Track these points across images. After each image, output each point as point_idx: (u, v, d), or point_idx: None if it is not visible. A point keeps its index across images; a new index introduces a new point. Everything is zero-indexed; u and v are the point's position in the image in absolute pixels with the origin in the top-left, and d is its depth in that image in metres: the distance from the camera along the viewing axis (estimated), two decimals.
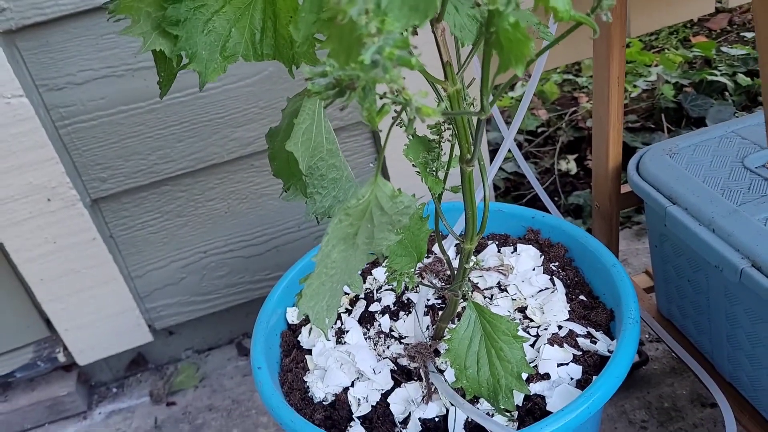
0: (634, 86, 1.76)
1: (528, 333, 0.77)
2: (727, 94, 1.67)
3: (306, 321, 0.86)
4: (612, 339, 0.77)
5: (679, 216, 0.80)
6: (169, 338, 1.34)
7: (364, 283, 0.90)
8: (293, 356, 0.82)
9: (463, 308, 0.67)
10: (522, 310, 0.80)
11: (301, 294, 0.51)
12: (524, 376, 0.70)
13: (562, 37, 0.47)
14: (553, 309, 0.79)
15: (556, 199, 1.56)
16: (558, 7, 0.40)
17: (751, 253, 0.71)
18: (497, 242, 0.92)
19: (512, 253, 0.89)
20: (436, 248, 0.91)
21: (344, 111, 1.16)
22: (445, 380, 0.71)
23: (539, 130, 1.76)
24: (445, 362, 0.65)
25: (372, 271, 0.91)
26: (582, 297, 0.83)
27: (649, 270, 1.07)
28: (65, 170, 1.08)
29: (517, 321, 0.79)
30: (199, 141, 1.14)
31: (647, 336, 1.20)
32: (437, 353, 0.75)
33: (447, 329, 0.75)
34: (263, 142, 1.15)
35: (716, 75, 1.69)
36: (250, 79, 1.11)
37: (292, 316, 0.87)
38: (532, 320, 0.79)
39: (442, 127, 0.67)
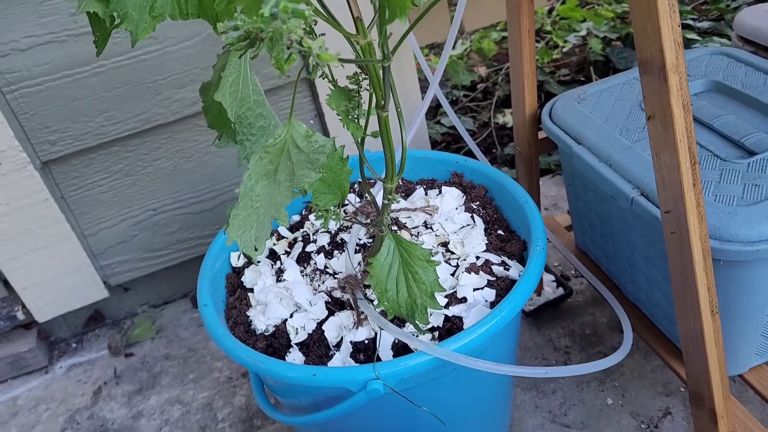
0: (565, 41, 1.85)
1: (449, 264, 0.86)
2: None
3: (249, 263, 0.93)
4: (524, 266, 0.85)
5: (582, 155, 0.89)
6: (125, 294, 1.40)
7: (302, 228, 0.97)
8: (237, 295, 0.89)
9: None
10: (445, 244, 0.89)
11: (228, 223, 0.58)
12: (442, 300, 0.78)
13: None
14: (472, 242, 0.87)
15: (493, 150, 1.64)
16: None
17: (640, 183, 0.80)
18: (425, 186, 1.00)
19: (437, 195, 0.97)
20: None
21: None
22: (373, 307, 0.79)
23: (478, 85, 1.84)
24: (371, 288, 0.73)
25: (309, 217, 0.98)
26: (500, 231, 0.92)
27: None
28: (14, 134, 1.12)
29: (440, 253, 0.87)
30: (143, 102, 1.18)
31: (573, 273, 1.31)
32: (367, 286, 0.83)
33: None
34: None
35: None
36: (189, 41, 1.16)
37: (236, 260, 0.94)
38: (453, 253, 0.87)
39: (360, 78, 0.74)
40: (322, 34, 0.56)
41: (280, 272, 0.89)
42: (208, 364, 1.27)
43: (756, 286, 0.75)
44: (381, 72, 0.67)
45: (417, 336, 0.77)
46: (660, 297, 0.87)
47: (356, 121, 0.76)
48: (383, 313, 0.76)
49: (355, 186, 1.02)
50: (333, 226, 0.95)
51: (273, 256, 0.93)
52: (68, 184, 1.23)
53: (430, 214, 0.94)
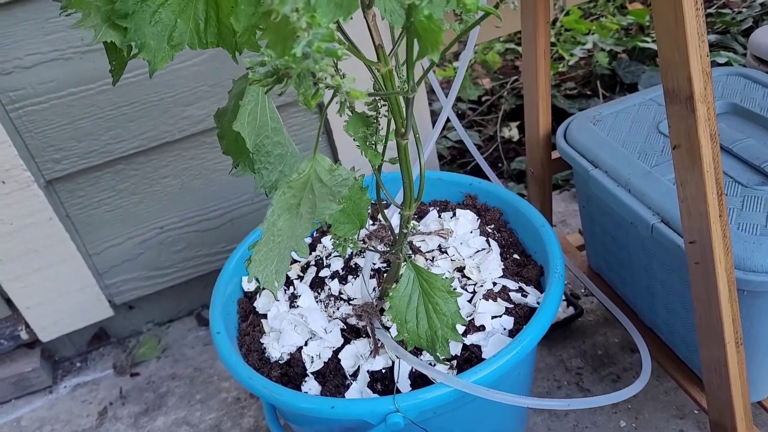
0: (572, 54, 1.84)
1: (466, 290, 0.84)
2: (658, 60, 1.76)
3: (262, 290, 0.91)
4: (541, 292, 0.84)
5: (600, 178, 0.88)
6: (130, 312, 1.38)
7: (314, 251, 0.95)
8: (250, 321, 0.87)
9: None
10: (461, 269, 0.87)
11: (250, 259, 0.57)
12: (460, 328, 0.77)
13: (474, 25, 0.53)
14: (489, 267, 0.86)
15: (499, 165, 1.63)
16: (466, 1, 0.46)
17: (660, 209, 0.79)
18: (438, 208, 0.99)
19: (451, 217, 0.95)
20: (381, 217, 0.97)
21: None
22: (390, 335, 0.77)
23: (483, 98, 1.83)
24: (390, 319, 0.72)
25: (321, 240, 0.96)
26: (516, 256, 0.90)
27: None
28: (18, 153, 1.11)
29: (455, 279, 0.86)
30: (150, 120, 1.17)
31: (583, 291, 1.29)
32: (383, 312, 0.82)
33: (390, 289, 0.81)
34: (213, 120, 1.19)
35: (648, 42, 1.77)
36: (197, 59, 1.14)
37: (248, 284, 0.93)
38: (469, 278, 0.86)
39: (378, 104, 0.72)
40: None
41: (293, 297, 0.88)
42: (215, 385, 1.25)
43: None
44: (403, 101, 0.66)
45: (434, 365, 0.76)
46: (679, 324, 0.86)
47: (374, 147, 0.75)
48: (401, 343, 0.75)
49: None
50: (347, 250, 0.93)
51: (286, 280, 0.92)
52: (73, 203, 1.21)
53: (445, 238, 0.92)
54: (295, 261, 0.95)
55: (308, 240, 0.99)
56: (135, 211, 1.25)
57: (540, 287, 0.86)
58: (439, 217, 0.97)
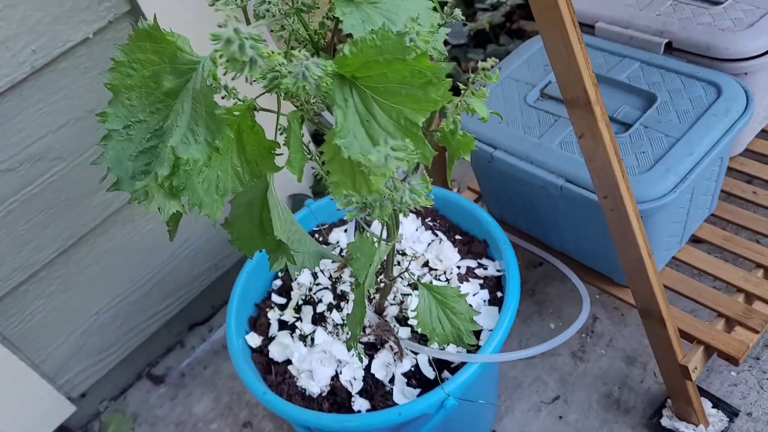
0: None
1: (439, 280, 1.03)
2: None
3: (268, 340, 1.03)
4: (492, 260, 1.06)
5: (504, 158, 1.09)
6: (83, 400, 1.40)
7: (291, 291, 1.08)
8: (275, 371, 0.99)
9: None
10: (425, 264, 1.06)
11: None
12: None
13: None
14: (447, 255, 1.05)
15: None
16: (483, 114, 0.63)
17: (562, 173, 1.03)
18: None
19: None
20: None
21: None
22: (409, 338, 0.95)
23: None
24: (419, 330, 0.89)
25: (294, 283, 1.09)
26: (458, 236, 1.11)
27: (471, 186, 1.37)
28: None
29: (426, 273, 1.04)
30: (64, 220, 1.18)
31: None
32: (401, 321, 0.98)
33: (410, 310, 0.97)
34: (122, 199, 1.23)
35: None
36: (92, 150, 1.16)
37: (252, 341, 1.04)
38: (436, 269, 1.05)
39: None
40: None
41: (303, 338, 1.01)
42: (203, 429, 1.34)
43: (661, 225, 1.02)
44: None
45: (444, 350, 0.95)
46: (586, 243, 1.13)
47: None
48: (421, 342, 0.93)
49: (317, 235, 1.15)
50: (325, 279, 1.07)
51: (285, 325, 1.04)
52: (7, 324, 1.20)
53: (399, 242, 1.10)
54: (284, 306, 1.07)
55: (278, 282, 1.11)
56: (68, 308, 1.26)
57: (489, 256, 1.07)
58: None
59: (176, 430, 1.36)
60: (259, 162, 0.72)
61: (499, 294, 1.01)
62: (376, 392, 0.94)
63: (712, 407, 1.14)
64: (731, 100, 1.03)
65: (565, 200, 1.06)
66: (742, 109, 1.03)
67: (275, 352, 1.01)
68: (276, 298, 1.09)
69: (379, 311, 1.00)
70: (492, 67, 0.64)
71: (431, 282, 1.02)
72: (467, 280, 1.01)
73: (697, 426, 1.12)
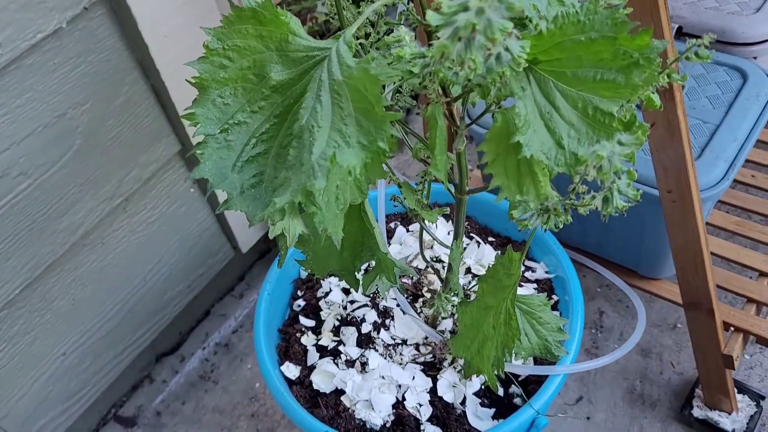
0: None
1: None
2: None
3: (310, 371, 0.90)
4: (536, 262, 0.99)
5: None
6: None
7: (321, 311, 0.96)
8: (323, 404, 0.87)
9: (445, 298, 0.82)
10: (468, 271, 0.98)
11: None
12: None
13: None
14: (489, 259, 0.97)
15: None
16: (654, 101, 0.56)
17: None
18: (399, 222, 1.05)
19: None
20: None
21: (159, 149, 1.10)
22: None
23: None
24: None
25: (322, 302, 0.97)
26: (491, 239, 1.03)
27: None
28: None
29: (470, 282, 0.96)
30: (28, 249, 0.98)
31: None
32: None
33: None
34: (93, 219, 1.05)
35: None
36: (60, 162, 0.98)
37: (289, 372, 0.91)
38: (479, 276, 0.97)
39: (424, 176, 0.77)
40: None
41: (350, 364, 0.90)
42: None
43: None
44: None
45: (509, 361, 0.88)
46: (615, 239, 1.09)
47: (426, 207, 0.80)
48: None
49: None
50: (359, 295, 0.96)
51: (325, 351, 0.92)
52: None
53: (431, 248, 1.01)
54: (316, 330, 0.95)
55: (300, 303, 0.99)
56: (32, 351, 1.06)
57: (531, 258, 1.01)
58: (407, 231, 1.04)
59: None
60: (370, 169, 0.61)
61: (554, 297, 0.95)
62: (448, 417, 0.85)
63: (738, 392, 1.14)
64: (758, 84, 1.03)
65: None
66: None
67: (320, 382, 0.89)
68: (304, 321, 0.96)
69: (434, 324, 0.91)
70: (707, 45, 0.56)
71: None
72: (520, 285, 0.94)
73: (729, 413, 1.11)
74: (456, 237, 0.78)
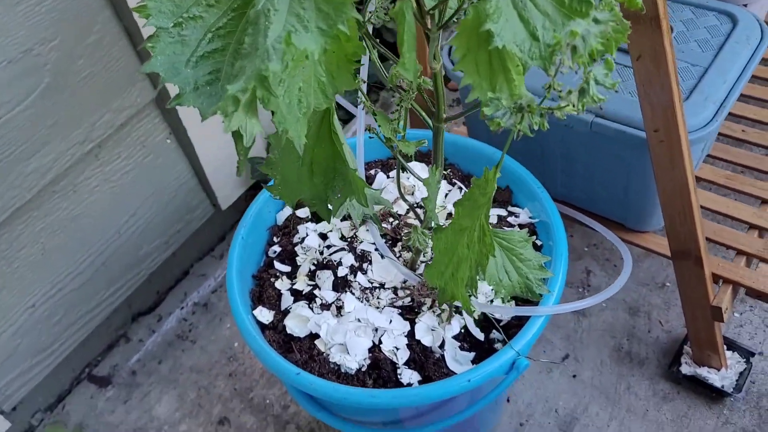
0: None
1: None
2: None
3: (284, 315, 0.87)
4: (520, 208, 0.96)
5: None
6: (13, 413, 1.16)
7: (296, 257, 0.93)
8: (297, 348, 0.84)
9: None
10: (450, 216, 0.94)
11: None
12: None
13: None
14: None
15: None
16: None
17: (593, 107, 0.95)
18: (379, 169, 1.02)
19: (404, 173, 1.00)
20: None
21: (134, 95, 1.07)
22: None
23: None
24: (487, 282, 0.77)
25: (298, 247, 0.94)
26: None
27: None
28: None
29: None
30: None
31: None
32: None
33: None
34: (63, 164, 1.01)
35: None
36: (27, 100, 0.94)
37: (262, 316, 0.88)
38: None
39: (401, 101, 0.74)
40: None
41: (325, 307, 0.86)
42: None
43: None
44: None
45: (492, 302, 0.84)
46: (601, 189, 1.06)
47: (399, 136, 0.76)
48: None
49: None
50: (336, 239, 0.93)
51: (300, 296, 0.89)
52: None
53: (412, 194, 0.97)
54: (292, 275, 0.92)
55: (276, 250, 0.95)
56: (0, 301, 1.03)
57: (515, 204, 0.97)
58: (388, 177, 1.01)
59: None
60: (336, 74, 0.57)
61: (538, 242, 0.92)
62: (426, 361, 0.82)
63: (727, 349, 1.11)
64: (748, 28, 1.00)
65: (591, 140, 0.99)
66: (759, 36, 1.00)
67: (294, 326, 0.86)
68: (279, 266, 0.93)
69: (413, 267, 0.88)
70: None
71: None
72: (502, 229, 0.91)
73: (719, 370, 1.08)
74: (435, 163, 0.75)
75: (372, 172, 1.02)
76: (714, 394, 1.09)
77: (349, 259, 0.90)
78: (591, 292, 1.24)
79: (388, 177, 1.01)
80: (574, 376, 1.14)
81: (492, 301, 0.84)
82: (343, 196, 0.65)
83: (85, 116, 1.01)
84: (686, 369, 1.10)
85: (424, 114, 0.76)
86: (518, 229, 0.92)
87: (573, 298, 1.24)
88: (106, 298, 1.18)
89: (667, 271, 1.25)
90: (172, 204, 1.23)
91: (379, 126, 0.74)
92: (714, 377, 1.08)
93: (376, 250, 0.91)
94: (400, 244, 0.92)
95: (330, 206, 0.69)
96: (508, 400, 1.13)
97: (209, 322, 1.29)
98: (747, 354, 1.10)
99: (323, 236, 0.95)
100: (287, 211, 0.99)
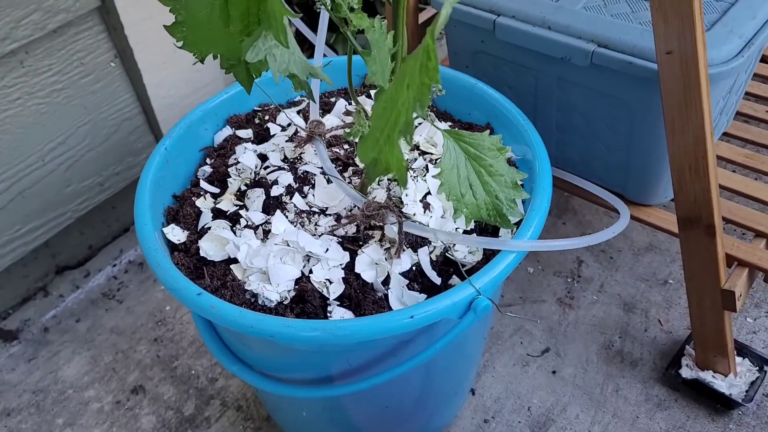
0: None
1: (434, 164, 0.77)
2: None
3: (199, 236, 0.71)
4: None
5: (511, 24, 0.85)
6: None
7: (230, 177, 0.77)
8: (210, 274, 0.68)
9: None
10: (416, 147, 0.79)
11: None
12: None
13: None
14: (441, 137, 0.79)
15: None
16: None
17: (593, 36, 0.81)
18: (342, 97, 0.87)
19: (369, 98, 0.85)
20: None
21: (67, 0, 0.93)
22: (414, 221, 0.67)
23: None
24: (445, 197, 0.61)
25: (232, 169, 0.78)
26: (449, 123, 0.85)
27: None
28: None
29: (418, 159, 0.77)
30: None
31: None
32: (393, 208, 0.70)
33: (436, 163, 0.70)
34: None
35: None
36: None
37: (173, 235, 0.72)
38: (431, 153, 0.78)
39: None
40: None
41: (252, 228, 0.71)
42: (75, 399, 0.97)
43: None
44: None
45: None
46: (601, 149, 0.91)
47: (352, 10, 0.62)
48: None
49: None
50: (277, 160, 0.78)
51: (222, 215, 0.73)
52: None
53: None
54: (219, 196, 0.76)
55: (207, 170, 0.80)
56: None
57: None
58: (350, 104, 0.86)
59: (33, 400, 0.98)
60: None
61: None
62: (364, 299, 0.65)
63: (737, 355, 0.94)
64: None
65: (591, 78, 0.84)
66: None
67: (209, 248, 0.70)
68: (206, 186, 0.77)
69: (364, 190, 0.72)
70: None
71: (426, 166, 0.76)
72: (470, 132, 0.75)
73: (726, 376, 0.91)
74: (395, 41, 0.60)
75: (332, 99, 0.88)
76: (718, 405, 0.91)
77: (287, 178, 0.74)
78: (581, 283, 1.08)
79: (349, 104, 0.86)
80: (554, 372, 0.97)
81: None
82: (258, 30, 0.50)
83: (7, 6, 0.87)
84: (687, 372, 0.92)
85: None
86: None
87: (561, 290, 1.07)
88: (20, 234, 1.02)
89: (671, 267, 1.09)
90: (112, 140, 1.08)
91: None
92: (720, 384, 0.90)
93: (322, 173, 0.75)
94: (351, 169, 0.76)
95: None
96: (472, 392, 0.95)
97: (142, 282, 1.13)
98: (761, 362, 0.93)
99: (263, 157, 0.79)
100: (226, 131, 0.84)
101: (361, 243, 0.69)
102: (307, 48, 1.38)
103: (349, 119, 0.84)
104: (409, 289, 0.66)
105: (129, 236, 1.20)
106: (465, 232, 0.70)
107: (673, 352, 0.97)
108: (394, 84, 0.48)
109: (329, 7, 0.62)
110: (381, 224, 0.68)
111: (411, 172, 0.75)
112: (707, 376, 0.91)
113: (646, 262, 1.10)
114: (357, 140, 0.71)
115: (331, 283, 0.66)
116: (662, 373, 0.95)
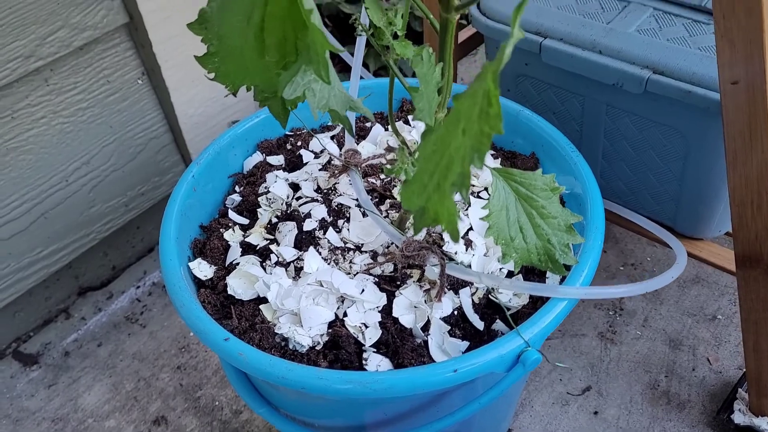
0: None
1: (481, 197, 0.72)
2: None
3: (227, 271, 0.67)
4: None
5: (558, 47, 0.81)
6: None
7: (259, 208, 0.73)
8: (237, 314, 0.64)
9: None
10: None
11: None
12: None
13: None
14: (487, 175, 0.74)
15: None
16: None
17: (648, 62, 0.76)
18: (377, 122, 0.83)
19: (407, 124, 0.81)
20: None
21: (99, 13, 0.90)
22: (457, 262, 0.63)
23: None
24: (494, 241, 0.57)
25: (262, 198, 0.74)
26: (491, 152, 0.80)
27: None
28: None
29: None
30: None
31: None
32: (434, 245, 0.65)
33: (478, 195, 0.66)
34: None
35: None
36: None
37: (200, 270, 0.68)
38: (474, 185, 0.74)
39: None
40: None
41: (283, 265, 0.66)
42: (95, 429, 0.94)
43: None
44: None
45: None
46: (651, 180, 0.86)
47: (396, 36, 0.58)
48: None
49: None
50: (310, 190, 0.73)
51: (252, 250, 0.69)
52: None
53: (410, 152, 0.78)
54: (248, 228, 0.72)
55: (236, 199, 0.76)
56: None
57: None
58: (386, 130, 0.82)
59: (52, 429, 0.95)
60: None
61: None
62: (402, 345, 0.61)
63: None
64: None
65: (643, 106, 0.79)
66: None
67: (237, 286, 0.66)
68: (235, 217, 0.73)
69: (402, 226, 0.67)
70: None
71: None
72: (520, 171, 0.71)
73: None
74: (443, 62, 0.55)
75: (368, 125, 0.83)
76: None
77: (320, 211, 0.70)
78: (623, 317, 1.02)
79: (386, 130, 0.82)
80: (596, 412, 0.91)
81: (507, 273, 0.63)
82: (298, 64, 0.46)
83: (32, 24, 0.84)
84: (739, 418, 0.86)
85: (423, 6, 0.57)
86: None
87: (602, 323, 1.02)
88: (43, 257, 0.99)
89: (719, 301, 1.03)
90: (138, 160, 1.05)
91: (369, 14, 0.55)
92: None
93: (357, 205, 0.71)
94: (388, 201, 0.72)
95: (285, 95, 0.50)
96: None
97: (165, 306, 1.09)
98: None
99: (295, 186, 0.75)
100: (257, 157, 0.80)
101: (398, 283, 0.65)
102: (337, 62, 1.34)
103: (385, 145, 0.80)
104: (450, 335, 0.62)
105: (153, 256, 1.17)
106: (509, 271, 0.65)
107: (723, 394, 0.92)
108: (446, 126, 0.43)
109: (370, 33, 0.58)
110: (421, 264, 0.64)
111: None
112: (762, 423, 0.85)
113: (692, 295, 1.04)
114: (398, 177, 0.67)
115: (366, 327, 0.62)
116: (713, 417, 0.90)
